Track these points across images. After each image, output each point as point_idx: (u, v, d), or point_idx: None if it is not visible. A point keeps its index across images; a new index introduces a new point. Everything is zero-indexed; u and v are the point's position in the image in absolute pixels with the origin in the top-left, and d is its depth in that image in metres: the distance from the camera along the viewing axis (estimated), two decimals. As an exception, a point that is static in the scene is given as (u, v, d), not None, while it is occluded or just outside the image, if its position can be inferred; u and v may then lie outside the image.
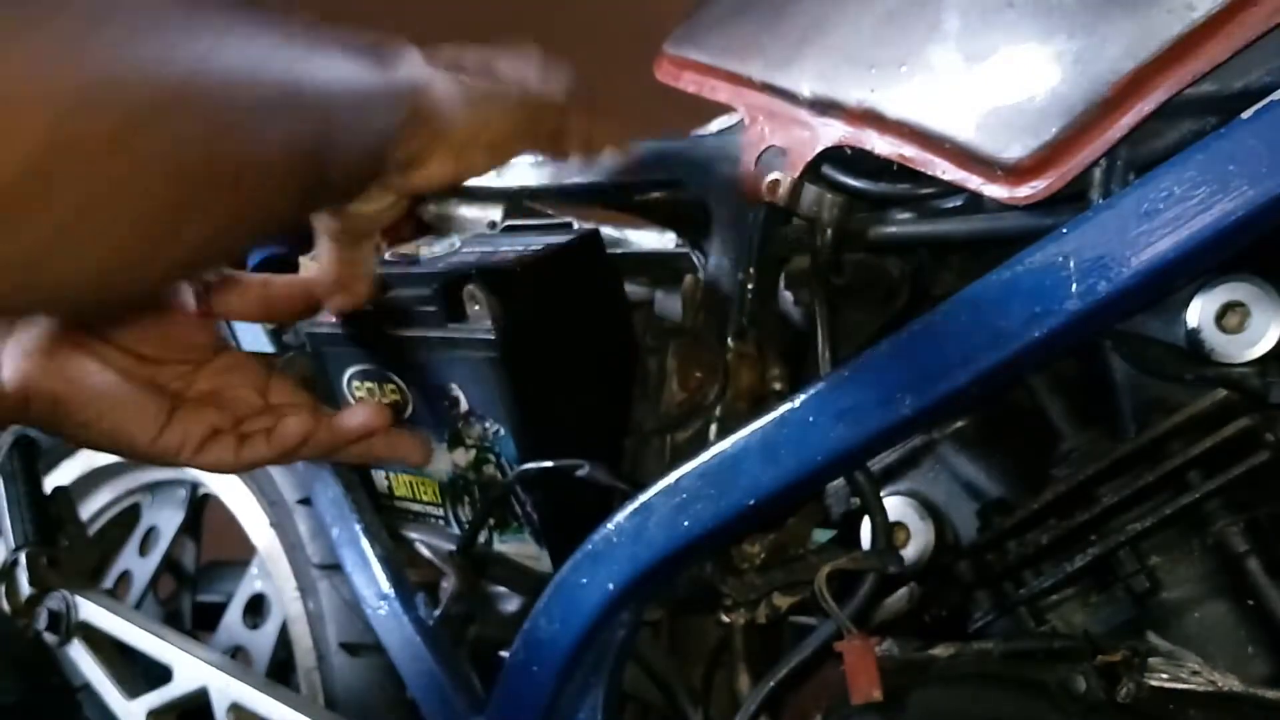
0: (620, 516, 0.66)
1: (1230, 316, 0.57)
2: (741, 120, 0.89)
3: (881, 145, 0.63)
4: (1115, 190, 0.55)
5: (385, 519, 0.85)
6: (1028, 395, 0.68)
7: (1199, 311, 0.57)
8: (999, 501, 0.64)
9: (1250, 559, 0.54)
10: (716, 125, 0.95)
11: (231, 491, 1.18)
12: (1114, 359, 0.63)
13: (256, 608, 1.17)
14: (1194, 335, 0.57)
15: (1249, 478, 0.54)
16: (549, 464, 0.67)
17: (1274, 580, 0.54)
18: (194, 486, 1.25)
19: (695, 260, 0.86)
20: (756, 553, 0.73)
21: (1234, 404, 0.55)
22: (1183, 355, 0.55)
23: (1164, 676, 0.49)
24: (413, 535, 0.83)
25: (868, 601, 0.62)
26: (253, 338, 1.01)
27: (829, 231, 0.68)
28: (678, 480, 0.63)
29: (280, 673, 1.14)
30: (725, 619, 0.71)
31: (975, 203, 0.64)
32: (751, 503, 0.60)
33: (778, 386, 0.75)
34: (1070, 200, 0.57)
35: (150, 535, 1.24)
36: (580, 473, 0.66)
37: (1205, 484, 0.55)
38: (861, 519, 0.70)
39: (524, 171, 0.92)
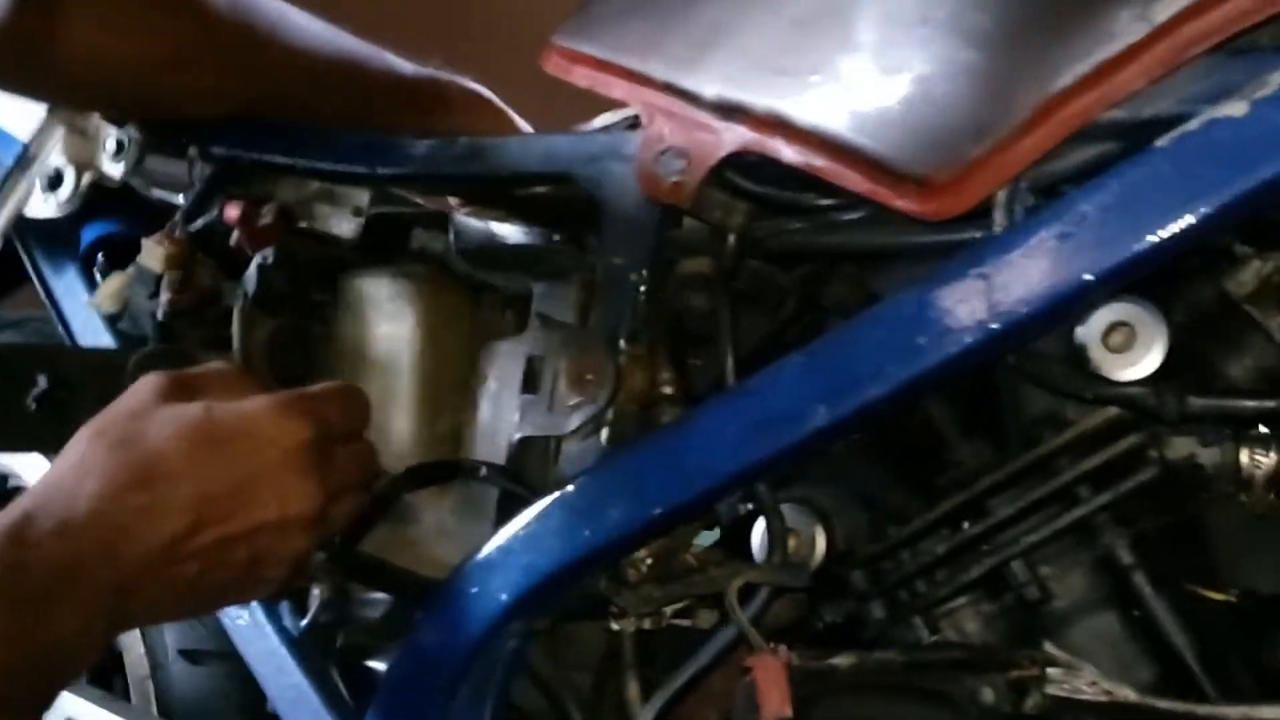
0: (516, 524, 0.63)
1: (1115, 335, 0.59)
2: (628, 117, 0.88)
3: (789, 153, 0.62)
4: (1019, 208, 0.57)
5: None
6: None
7: (1086, 329, 0.59)
8: (892, 511, 0.65)
9: (1136, 572, 0.57)
10: (600, 121, 0.94)
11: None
12: (1000, 370, 0.64)
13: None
14: (1081, 352, 0.59)
15: (1137, 493, 0.57)
16: (441, 463, 0.64)
17: (1158, 591, 0.56)
18: (3, 478, 1.15)
19: (581, 258, 0.84)
20: (643, 558, 0.72)
21: (1124, 422, 0.57)
22: (1083, 373, 0.57)
23: (1064, 687, 0.51)
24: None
25: (763, 611, 0.62)
26: (92, 332, 0.93)
27: (732, 237, 0.67)
28: (580, 487, 0.62)
29: (101, 679, 1.06)
30: (614, 626, 0.69)
31: (877, 215, 0.64)
32: (658, 512, 0.59)
33: (668, 390, 0.74)
34: (972, 217, 0.59)
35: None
36: (477, 474, 0.63)
37: (1095, 498, 0.57)
38: (750, 525, 0.70)
39: (396, 155, 0.88)
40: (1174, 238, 0.48)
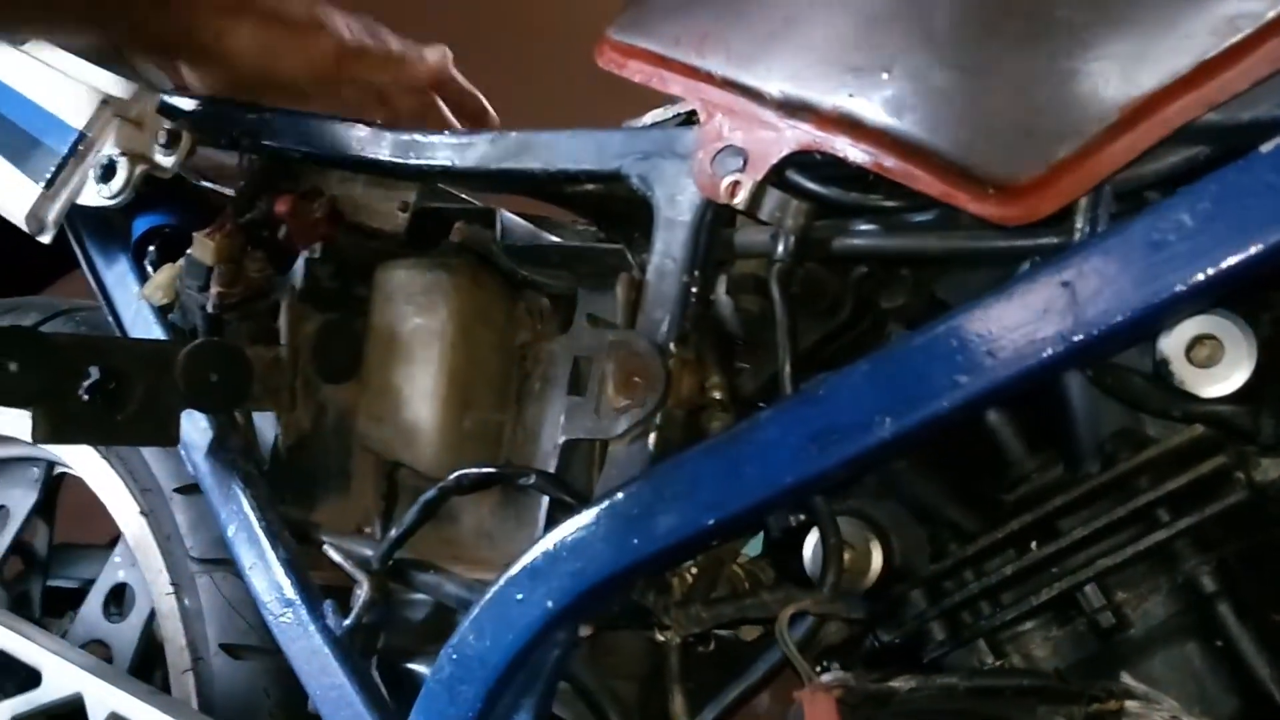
0: (564, 530, 0.61)
1: (1200, 349, 0.56)
2: (679, 114, 0.85)
3: (856, 153, 0.60)
4: (1100, 214, 0.54)
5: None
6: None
7: (1170, 342, 0.56)
8: (955, 528, 0.62)
9: (1220, 600, 0.54)
10: (650, 117, 0.91)
11: (95, 474, 1.09)
12: (1071, 384, 0.61)
13: (119, 598, 1.08)
14: (1163, 366, 0.56)
15: (1221, 517, 0.54)
16: (491, 470, 0.62)
17: (1242, 621, 0.53)
18: (49, 465, 1.16)
19: (628, 258, 0.82)
20: (688, 568, 0.69)
21: (1209, 441, 0.54)
22: (1170, 389, 0.54)
23: (1142, 720, 0.48)
24: (323, 537, 0.76)
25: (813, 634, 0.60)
26: (142, 324, 0.93)
27: (792, 239, 0.65)
28: (631, 494, 0.59)
29: (143, 670, 1.07)
30: (660, 637, 0.67)
31: (945, 218, 0.62)
32: (711, 522, 0.57)
33: (717, 396, 0.72)
34: (1049, 222, 0.56)
35: (-2, 515, 1.14)
36: (524, 481, 0.61)
37: (1178, 521, 0.54)
38: (802, 537, 0.67)
39: (446, 150, 0.86)
40: (1276, 252, 0.45)
